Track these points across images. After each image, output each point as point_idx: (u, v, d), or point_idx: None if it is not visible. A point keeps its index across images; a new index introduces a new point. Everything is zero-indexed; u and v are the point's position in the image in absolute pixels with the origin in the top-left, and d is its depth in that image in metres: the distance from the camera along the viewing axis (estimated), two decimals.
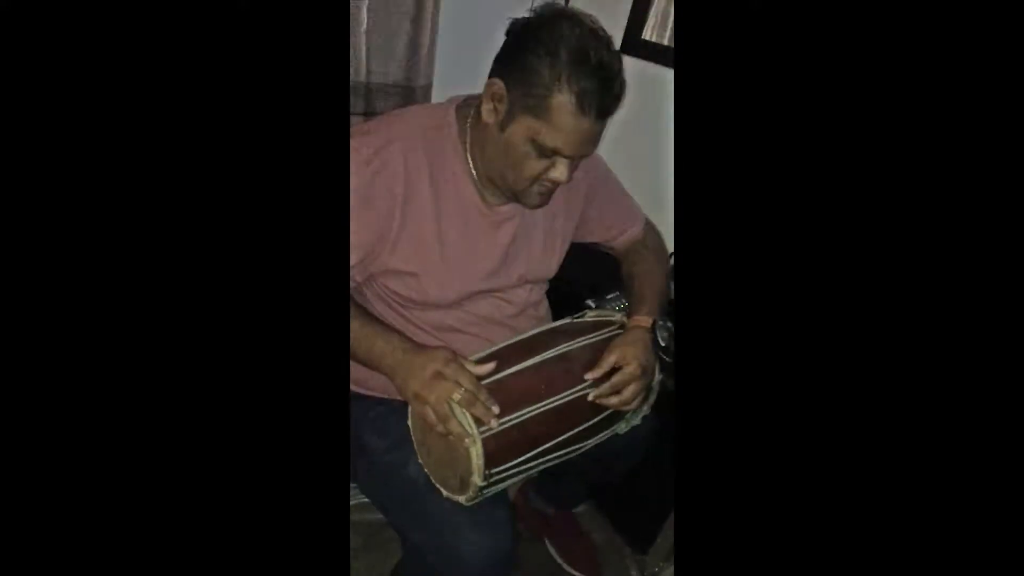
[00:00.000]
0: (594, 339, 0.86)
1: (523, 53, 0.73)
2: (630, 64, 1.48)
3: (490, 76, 0.77)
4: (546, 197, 0.83)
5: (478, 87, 0.80)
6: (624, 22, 1.48)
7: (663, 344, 0.86)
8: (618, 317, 0.93)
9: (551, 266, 0.97)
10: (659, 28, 1.48)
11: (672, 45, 1.47)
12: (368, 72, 1.04)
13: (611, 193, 1.04)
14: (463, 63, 0.94)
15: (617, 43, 1.48)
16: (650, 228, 1.10)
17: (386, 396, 0.88)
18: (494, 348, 0.82)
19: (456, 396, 0.73)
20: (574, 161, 0.78)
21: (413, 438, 0.82)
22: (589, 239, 1.05)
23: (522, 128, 0.75)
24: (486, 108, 0.77)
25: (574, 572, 1.33)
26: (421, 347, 0.78)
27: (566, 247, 0.98)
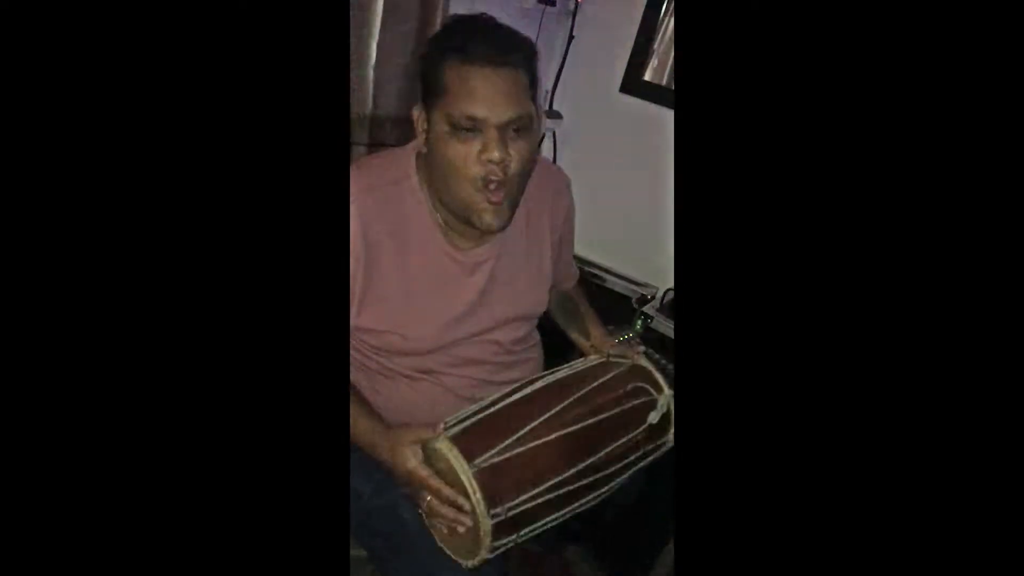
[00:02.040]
0: (625, 390, 0.82)
1: (420, 68, 0.76)
2: (631, 104, 1.52)
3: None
4: (499, 208, 0.76)
5: None
6: (625, 63, 1.52)
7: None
8: (644, 361, 0.88)
9: (540, 301, 0.94)
10: (659, 69, 1.52)
11: (671, 86, 1.51)
12: (374, 104, 1.06)
13: (572, 238, 1.04)
14: None
15: (618, 83, 1.53)
16: (577, 286, 1.11)
17: None
18: (518, 395, 0.78)
19: (424, 505, 0.72)
20: (504, 133, 0.72)
21: (424, 514, 0.79)
22: None
23: (439, 120, 0.73)
24: (420, 139, 0.78)
25: None
26: (384, 445, 0.76)
27: (548, 282, 0.96)
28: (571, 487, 0.74)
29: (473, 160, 0.72)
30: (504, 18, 0.77)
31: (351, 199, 0.76)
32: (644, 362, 0.87)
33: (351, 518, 0.82)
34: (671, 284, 1.26)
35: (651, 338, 1.20)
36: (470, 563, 0.73)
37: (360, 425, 0.78)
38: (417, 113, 0.77)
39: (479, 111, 0.70)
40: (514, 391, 0.80)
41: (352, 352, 0.86)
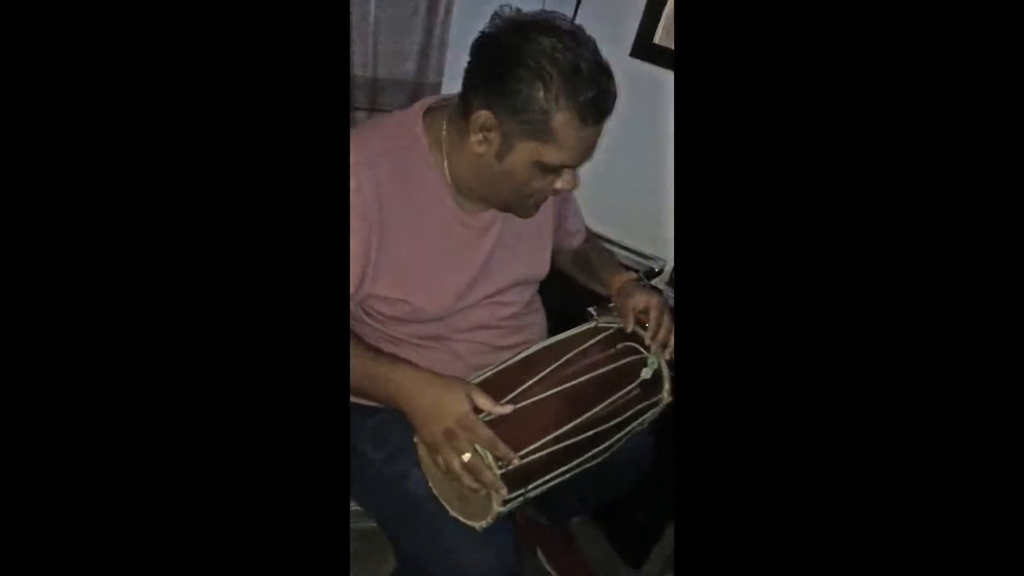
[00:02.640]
0: (614, 349, 0.85)
1: (506, 78, 0.69)
2: (636, 67, 1.47)
3: (470, 104, 0.73)
4: (539, 206, 0.83)
5: None
6: (635, 27, 1.46)
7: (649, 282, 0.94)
8: (622, 323, 0.91)
9: (543, 264, 0.95)
10: (671, 32, 1.46)
11: None
12: (375, 66, 1.01)
13: (571, 196, 1.03)
14: None
15: (628, 48, 1.47)
16: (591, 234, 1.11)
17: (384, 405, 0.86)
18: (510, 362, 0.80)
19: (466, 458, 0.70)
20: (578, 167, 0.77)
21: (423, 469, 0.80)
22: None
23: (524, 154, 0.72)
24: (476, 139, 0.73)
25: None
26: (436, 385, 0.74)
27: (550, 244, 0.97)
28: (572, 440, 0.76)
29: (543, 187, 0.76)
30: None
31: (363, 164, 0.74)
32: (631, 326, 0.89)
33: (362, 484, 0.82)
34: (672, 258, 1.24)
35: None
36: (481, 524, 0.74)
37: (398, 374, 0.76)
38: (486, 122, 0.72)
39: (572, 161, 0.74)
40: (510, 358, 0.82)
41: (364, 321, 0.85)
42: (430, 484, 0.79)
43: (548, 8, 1.39)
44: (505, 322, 0.90)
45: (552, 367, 0.79)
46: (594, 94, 0.69)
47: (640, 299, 0.89)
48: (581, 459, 0.79)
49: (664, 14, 1.43)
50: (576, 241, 1.06)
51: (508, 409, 0.72)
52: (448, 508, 0.78)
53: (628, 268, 1.40)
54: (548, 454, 0.74)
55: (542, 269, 0.95)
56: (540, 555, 1.35)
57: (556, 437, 0.75)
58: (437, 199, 0.80)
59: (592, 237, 1.11)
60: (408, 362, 0.79)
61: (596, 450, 0.80)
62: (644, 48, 1.46)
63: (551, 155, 0.72)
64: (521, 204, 0.80)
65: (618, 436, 0.83)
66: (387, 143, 0.78)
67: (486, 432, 0.70)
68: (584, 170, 1.03)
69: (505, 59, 0.69)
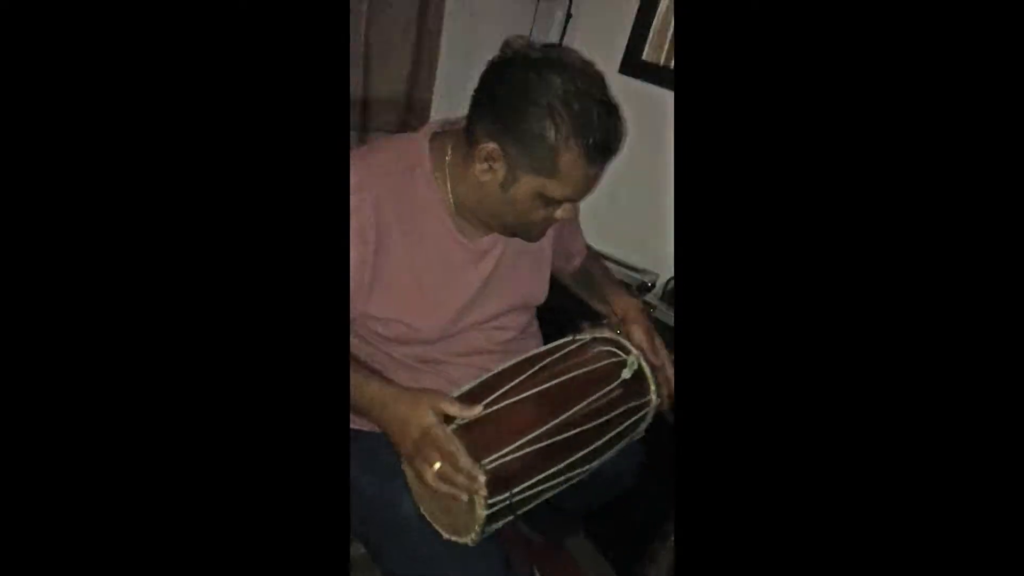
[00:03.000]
0: (592, 353, 0.85)
1: (515, 113, 0.69)
2: (630, 85, 1.48)
3: (476, 132, 0.73)
4: (545, 230, 0.83)
5: None
6: (624, 43, 1.47)
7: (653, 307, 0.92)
8: (609, 333, 0.90)
9: (542, 289, 0.95)
10: (658, 48, 1.48)
11: (670, 66, 1.47)
12: (366, 86, 1.02)
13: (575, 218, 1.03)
14: (463, 79, 0.93)
15: (616, 64, 1.49)
16: (592, 253, 1.10)
17: (374, 429, 0.85)
18: (486, 376, 0.79)
19: (436, 467, 0.70)
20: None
21: (410, 487, 0.79)
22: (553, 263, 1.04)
23: (528, 187, 0.73)
24: (480, 168, 0.74)
25: None
26: (403, 401, 0.74)
27: (548, 269, 0.97)
28: (551, 441, 0.75)
29: (546, 216, 0.77)
30: None
31: (364, 184, 0.74)
32: (625, 341, 0.89)
33: (351, 510, 0.81)
34: (673, 272, 1.24)
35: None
36: (472, 536, 0.73)
37: (371, 388, 0.76)
38: (491, 152, 0.72)
39: (575, 196, 0.75)
40: (491, 371, 0.81)
41: (358, 340, 0.85)
42: (416, 502, 0.78)
43: (537, 25, 1.40)
44: (501, 347, 0.90)
45: (529, 372, 0.79)
46: (602, 136, 0.69)
47: (642, 336, 0.89)
48: (565, 463, 0.77)
49: (652, 30, 1.45)
50: (577, 261, 1.06)
51: (477, 411, 0.71)
52: (438, 527, 0.77)
53: (622, 283, 1.41)
54: (528, 455, 0.73)
55: (540, 294, 0.94)
56: (536, 572, 1.33)
57: (535, 437, 0.74)
58: (437, 222, 0.80)
59: (593, 255, 1.10)
60: (383, 377, 0.78)
61: (581, 453, 0.78)
62: (632, 64, 1.48)
63: (555, 190, 0.72)
64: (525, 230, 0.81)
65: (605, 439, 0.82)
66: (391, 164, 0.78)
67: (449, 445, 0.70)
68: None
69: (515, 94, 0.68)
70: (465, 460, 0.69)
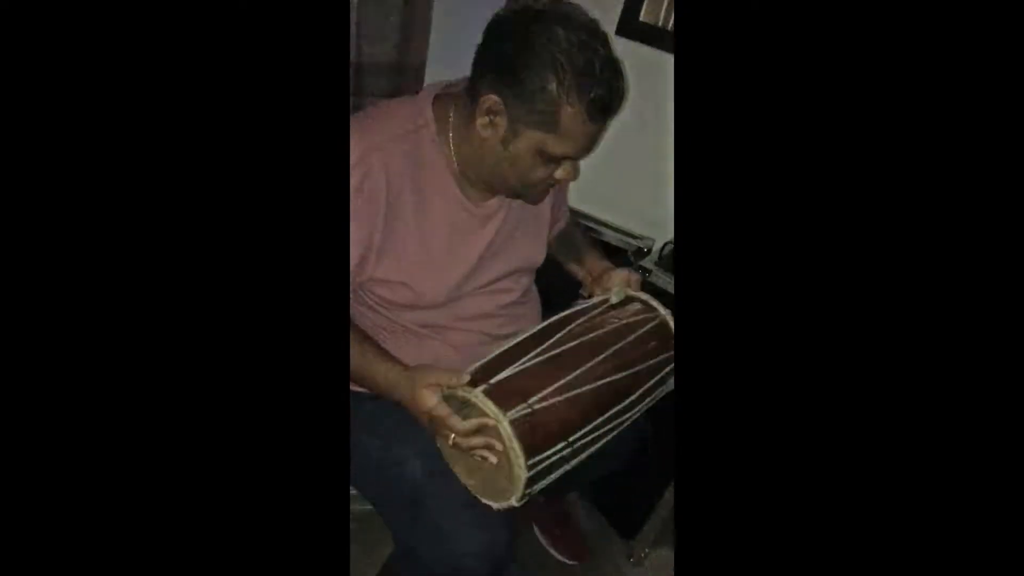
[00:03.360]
0: (615, 312, 0.86)
1: (518, 66, 0.68)
2: (628, 48, 1.46)
3: (478, 87, 0.73)
4: (547, 191, 0.84)
5: (470, 68, 0.76)
6: (620, 5, 1.44)
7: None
8: (612, 298, 0.91)
9: (541, 252, 0.96)
10: (656, 9, 1.45)
11: (668, 27, 1.44)
12: (359, 52, 1.00)
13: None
14: (457, 42, 0.91)
15: (614, 26, 1.46)
16: (572, 219, 1.11)
17: None
18: (501, 349, 0.79)
19: (451, 440, 0.72)
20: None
21: (448, 462, 0.80)
22: None
23: (529, 142, 0.73)
24: (482, 122, 0.73)
25: (562, 558, 1.34)
26: (404, 387, 0.76)
27: (547, 232, 0.98)
28: (600, 432, 0.77)
29: (546, 175, 0.77)
30: None
31: (375, 149, 0.74)
32: (656, 304, 0.89)
33: (358, 472, 0.83)
34: (668, 237, 1.24)
35: (648, 291, 1.19)
36: (497, 505, 0.75)
37: (378, 368, 0.78)
38: (493, 106, 0.72)
39: (575, 154, 0.75)
40: (535, 339, 0.80)
41: (363, 307, 0.86)
42: (457, 474, 0.80)
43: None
44: (504, 310, 0.91)
45: (587, 365, 0.77)
46: (604, 91, 0.69)
47: (622, 277, 0.91)
48: (603, 443, 0.79)
49: None
50: (561, 224, 1.08)
51: (465, 378, 0.72)
52: (478, 495, 0.78)
53: (617, 248, 1.42)
54: (575, 447, 0.74)
55: (540, 256, 0.96)
56: (536, 530, 1.38)
57: (585, 432, 0.75)
58: (443, 186, 0.81)
59: (572, 220, 1.11)
60: (382, 357, 0.80)
61: (618, 407, 0.79)
62: (630, 26, 1.45)
63: (555, 146, 0.72)
64: (527, 190, 0.80)
65: (640, 391, 0.82)
66: (397, 128, 0.78)
67: (454, 422, 0.72)
68: None
69: (518, 47, 0.68)
70: (468, 427, 0.70)
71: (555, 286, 1.04)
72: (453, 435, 0.72)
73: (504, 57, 0.69)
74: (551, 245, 1.06)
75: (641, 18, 1.44)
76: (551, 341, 0.78)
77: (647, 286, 1.20)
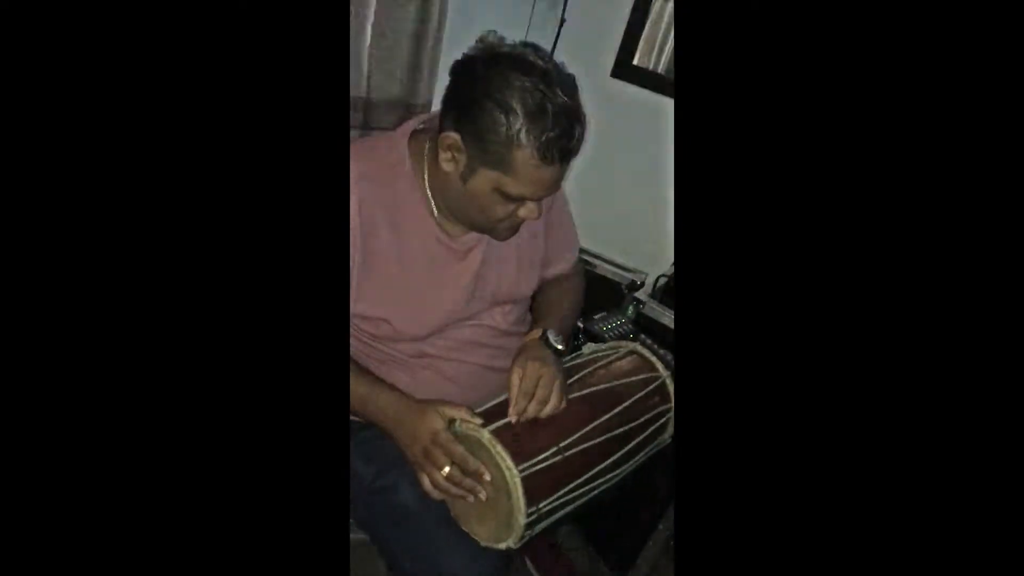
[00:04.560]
0: (616, 364, 0.90)
1: (475, 106, 0.70)
2: (622, 89, 1.52)
3: (442, 124, 0.74)
4: (515, 230, 0.83)
5: None
6: (615, 49, 1.51)
7: (559, 347, 0.87)
8: (623, 346, 0.95)
9: (529, 285, 0.95)
10: (649, 54, 1.52)
11: (660, 71, 1.51)
12: (368, 87, 1.04)
13: (565, 217, 1.02)
14: None
15: (609, 68, 1.53)
16: (577, 268, 1.07)
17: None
18: (505, 396, 0.81)
19: (446, 470, 0.73)
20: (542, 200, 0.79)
21: (448, 502, 0.81)
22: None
23: (485, 180, 0.74)
24: (444, 157, 0.75)
25: None
26: (412, 411, 0.77)
27: (539, 265, 0.96)
28: (601, 480, 0.81)
29: (507, 213, 0.77)
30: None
31: (352, 186, 0.76)
32: (656, 363, 0.93)
33: (352, 501, 0.83)
34: (662, 271, 1.28)
35: (643, 323, 1.22)
36: (496, 545, 0.76)
37: (381, 398, 0.79)
38: (452, 143, 0.73)
39: (532, 195, 0.75)
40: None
41: (352, 340, 0.87)
42: (454, 515, 0.80)
43: (533, 27, 1.44)
44: (496, 340, 0.91)
45: (597, 422, 0.80)
46: (556, 135, 0.69)
47: (521, 369, 0.80)
48: (598, 468, 0.80)
49: (643, 37, 1.49)
50: (564, 268, 1.02)
51: (478, 420, 0.74)
52: (475, 537, 0.78)
53: (611, 281, 1.45)
54: (575, 495, 0.77)
55: (527, 289, 0.94)
56: (528, 563, 1.36)
57: (585, 479, 0.77)
58: (419, 220, 0.82)
59: (574, 283, 1.04)
60: (388, 386, 0.81)
61: (614, 458, 0.81)
62: (624, 69, 1.52)
63: (511, 187, 0.73)
64: (492, 228, 0.80)
65: (634, 443, 0.85)
66: (372, 164, 0.80)
67: (458, 448, 0.73)
68: (567, 182, 1.07)
69: (475, 87, 0.70)
70: (473, 462, 0.72)
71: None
72: (448, 468, 0.73)
73: (463, 97, 0.72)
74: (541, 286, 1.03)
75: (635, 62, 1.51)
76: (578, 431, 0.81)
77: (641, 317, 1.23)
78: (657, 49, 1.52)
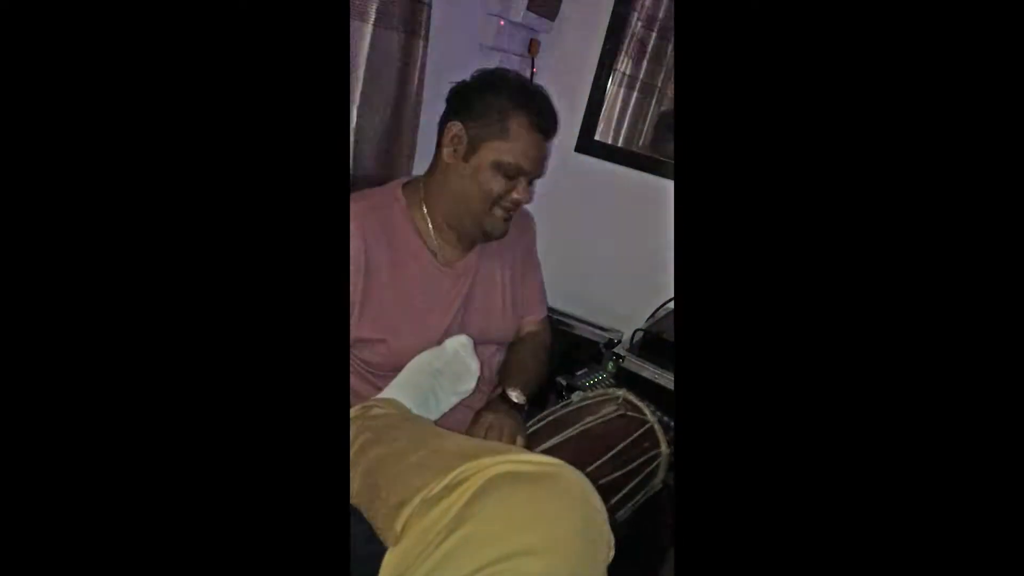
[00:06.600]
0: (604, 411, 0.95)
1: (474, 98, 0.90)
2: (585, 162, 1.63)
3: (445, 129, 0.92)
4: (508, 223, 0.96)
5: None
6: (578, 126, 1.64)
7: (520, 403, 0.94)
8: (611, 392, 1.00)
9: (511, 327, 1.06)
10: (607, 131, 1.65)
11: (618, 145, 1.64)
12: (353, 167, 1.11)
13: (538, 273, 1.15)
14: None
15: (572, 143, 1.64)
16: (545, 324, 1.15)
17: None
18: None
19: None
20: (531, 183, 0.95)
21: None
22: None
23: (487, 152, 0.90)
24: (446, 151, 0.91)
25: None
26: None
27: (521, 309, 1.08)
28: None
29: (503, 194, 0.92)
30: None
31: (353, 216, 0.88)
32: (644, 409, 0.99)
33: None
34: (637, 325, 1.33)
35: (624, 376, 1.26)
36: None
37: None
38: (456, 131, 0.90)
39: (528, 167, 0.91)
40: (538, 436, 0.90)
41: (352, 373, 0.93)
42: None
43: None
44: (480, 387, 0.96)
45: (591, 468, 0.84)
46: (541, 107, 0.91)
47: (485, 422, 0.87)
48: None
49: (601, 116, 1.62)
50: (533, 327, 1.11)
51: None
52: None
53: (589, 340, 1.50)
54: None
55: (507, 334, 1.06)
56: None
57: None
58: (415, 249, 0.94)
59: (539, 335, 1.11)
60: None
61: (609, 504, 0.82)
62: (587, 143, 1.64)
63: (509, 153, 0.89)
64: (490, 215, 0.93)
65: (629, 488, 0.89)
66: (371, 203, 0.94)
67: None
68: (540, 251, 1.13)
69: (476, 86, 0.92)
70: None
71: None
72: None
73: (464, 98, 0.92)
74: (511, 343, 1.08)
75: (596, 137, 1.63)
76: (551, 443, 0.86)
77: (621, 371, 1.27)
78: (615, 125, 1.65)
